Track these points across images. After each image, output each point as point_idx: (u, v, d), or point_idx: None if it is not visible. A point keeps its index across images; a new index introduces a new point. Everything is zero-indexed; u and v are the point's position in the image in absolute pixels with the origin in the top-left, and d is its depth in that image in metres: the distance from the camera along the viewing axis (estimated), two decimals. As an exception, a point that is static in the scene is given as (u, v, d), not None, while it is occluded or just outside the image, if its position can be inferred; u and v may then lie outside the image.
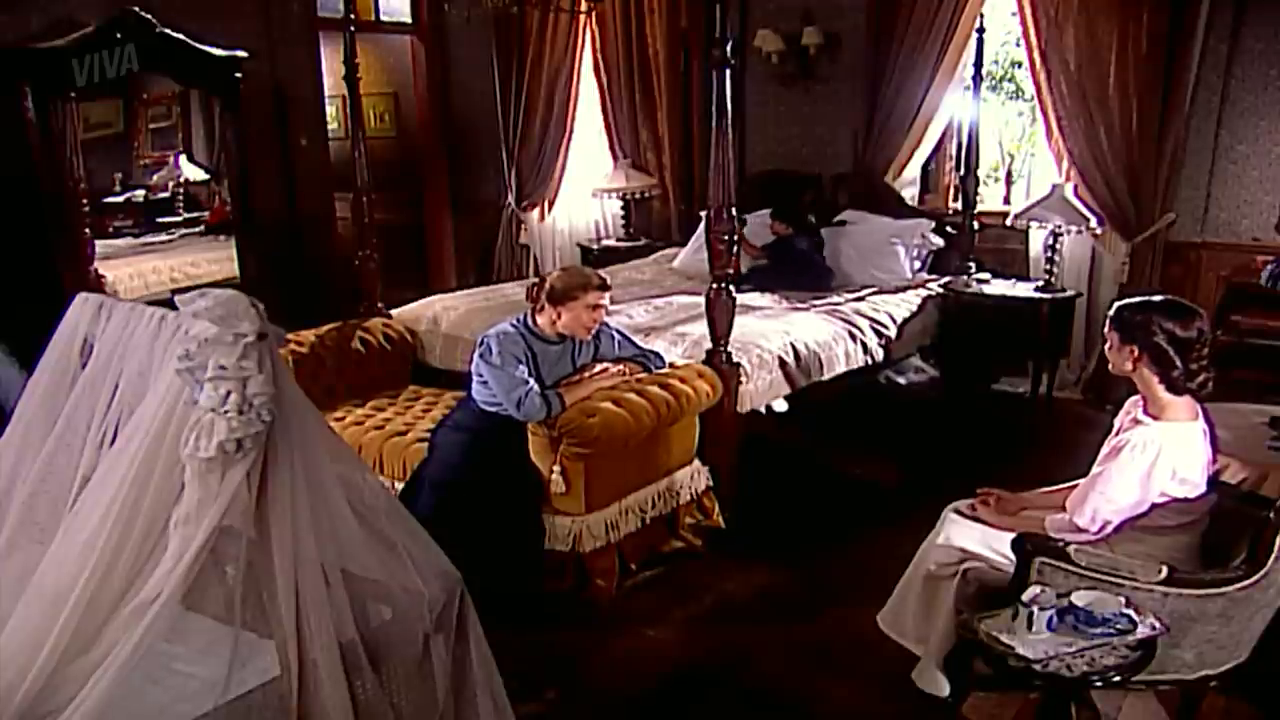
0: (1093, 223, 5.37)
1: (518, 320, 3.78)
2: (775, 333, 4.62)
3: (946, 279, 5.75)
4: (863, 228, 6.03)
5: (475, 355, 3.72)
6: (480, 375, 3.70)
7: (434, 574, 2.05)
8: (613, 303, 5.13)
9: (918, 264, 5.94)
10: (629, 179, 7.08)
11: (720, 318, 4.09)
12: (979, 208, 5.82)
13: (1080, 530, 2.66)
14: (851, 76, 6.29)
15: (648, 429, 3.68)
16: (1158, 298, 2.70)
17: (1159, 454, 2.56)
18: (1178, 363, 2.57)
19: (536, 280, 3.84)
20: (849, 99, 6.33)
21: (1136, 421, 2.66)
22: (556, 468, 3.54)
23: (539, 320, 3.75)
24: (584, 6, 6.17)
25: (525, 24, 7.14)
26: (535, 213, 7.62)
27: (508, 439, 3.61)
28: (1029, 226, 5.61)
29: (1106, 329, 2.72)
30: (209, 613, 1.97)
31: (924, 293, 5.59)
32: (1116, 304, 2.75)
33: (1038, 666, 2.26)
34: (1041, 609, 2.33)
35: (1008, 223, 5.68)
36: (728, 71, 3.84)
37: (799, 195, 6.38)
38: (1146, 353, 2.59)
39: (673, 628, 3.53)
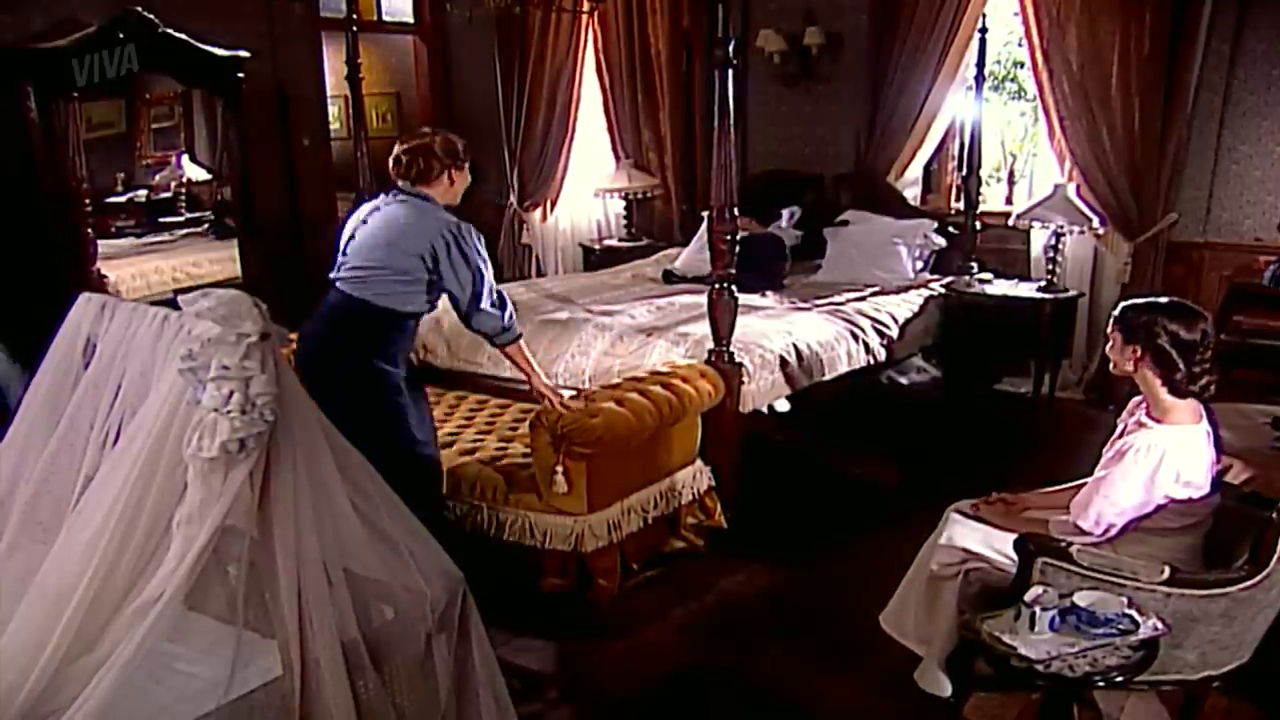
0: (1095, 223, 5.36)
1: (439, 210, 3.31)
2: (777, 333, 4.62)
3: (948, 279, 5.74)
4: (865, 228, 6.03)
5: (442, 241, 3.20)
6: (436, 268, 3.22)
7: (436, 573, 2.06)
8: (614, 303, 5.16)
9: (920, 264, 5.93)
10: (631, 179, 7.08)
11: (722, 318, 4.08)
12: (981, 208, 5.82)
13: (1084, 533, 2.66)
14: (853, 77, 6.29)
15: (650, 429, 3.68)
16: (1163, 299, 2.70)
17: (1163, 458, 2.56)
18: (1180, 365, 2.56)
19: (410, 149, 3.29)
20: (851, 99, 6.33)
21: (1140, 424, 2.66)
22: (559, 468, 3.54)
23: (438, 199, 3.31)
24: (586, 6, 6.18)
25: (527, 24, 7.14)
26: (537, 213, 7.62)
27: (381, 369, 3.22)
28: (1031, 226, 5.61)
29: (1110, 329, 2.72)
30: (211, 612, 1.97)
31: (926, 293, 5.58)
32: (1121, 304, 2.75)
33: (1040, 667, 2.26)
34: (1044, 609, 2.33)
35: (1010, 223, 5.67)
36: (730, 71, 3.84)
37: (800, 195, 6.40)
38: (1149, 354, 2.59)
39: (674, 628, 3.53)
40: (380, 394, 3.24)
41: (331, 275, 3.30)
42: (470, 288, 3.27)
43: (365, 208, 3.38)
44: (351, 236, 3.33)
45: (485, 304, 3.31)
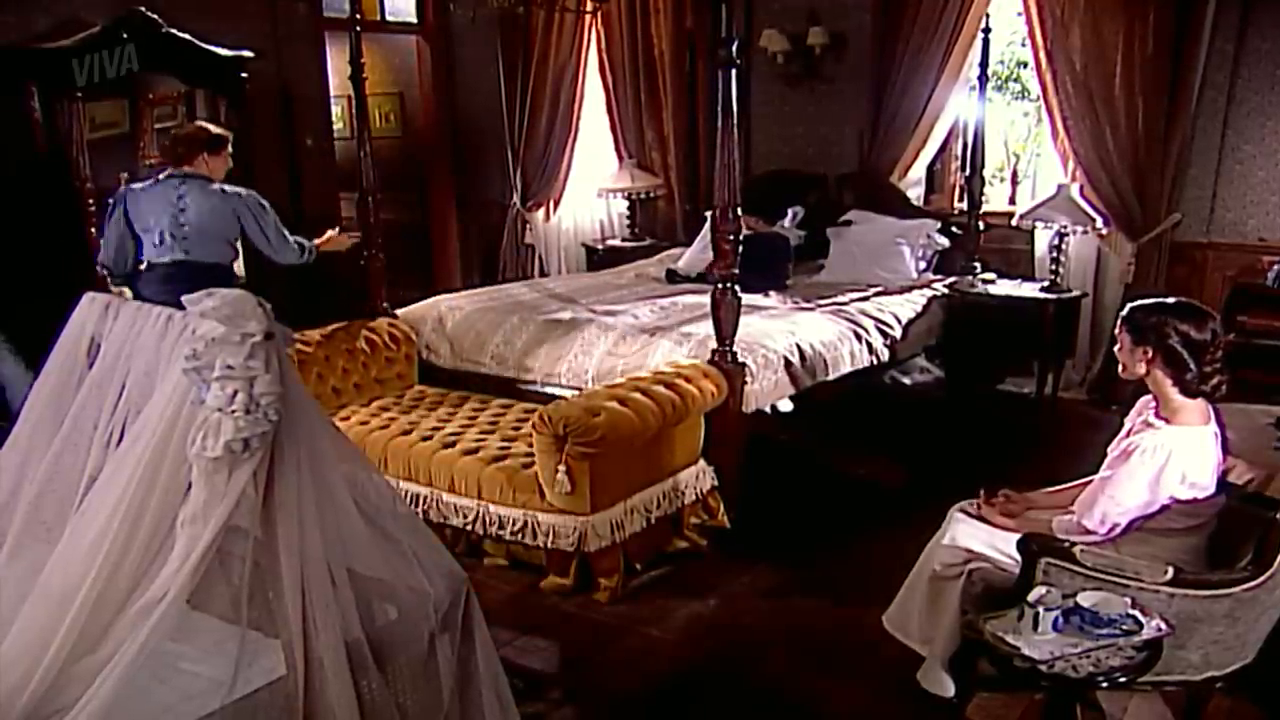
0: (1098, 223, 5.36)
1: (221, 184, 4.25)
2: (781, 333, 4.62)
3: (952, 279, 5.74)
4: (868, 228, 6.02)
5: (246, 211, 4.21)
6: (254, 231, 4.26)
7: (439, 573, 2.06)
8: (617, 303, 5.16)
9: (923, 264, 5.93)
10: (634, 179, 7.08)
11: (726, 318, 4.08)
12: (984, 208, 5.83)
13: (1088, 532, 2.66)
14: (857, 76, 6.29)
15: (653, 429, 3.68)
16: (1170, 299, 2.69)
17: (1169, 459, 2.55)
18: (1191, 365, 2.56)
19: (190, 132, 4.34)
20: (854, 99, 6.33)
21: (1148, 424, 2.66)
22: (562, 467, 3.55)
23: (211, 175, 4.25)
24: (589, 6, 6.18)
25: (530, 23, 7.15)
26: (540, 212, 7.63)
27: None
28: (1034, 227, 5.61)
29: (1118, 330, 2.71)
30: (215, 612, 1.97)
31: (929, 293, 5.58)
32: (1129, 306, 2.74)
33: (1043, 667, 2.26)
34: (1047, 609, 2.33)
35: (1013, 223, 5.67)
36: (733, 71, 3.84)
37: (804, 195, 6.40)
38: (1160, 354, 2.59)
39: (677, 628, 3.53)
40: None
41: (170, 255, 4.15)
42: (274, 233, 4.29)
43: (141, 192, 4.22)
44: (126, 215, 4.21)
45: (289, 239, 4.35)
